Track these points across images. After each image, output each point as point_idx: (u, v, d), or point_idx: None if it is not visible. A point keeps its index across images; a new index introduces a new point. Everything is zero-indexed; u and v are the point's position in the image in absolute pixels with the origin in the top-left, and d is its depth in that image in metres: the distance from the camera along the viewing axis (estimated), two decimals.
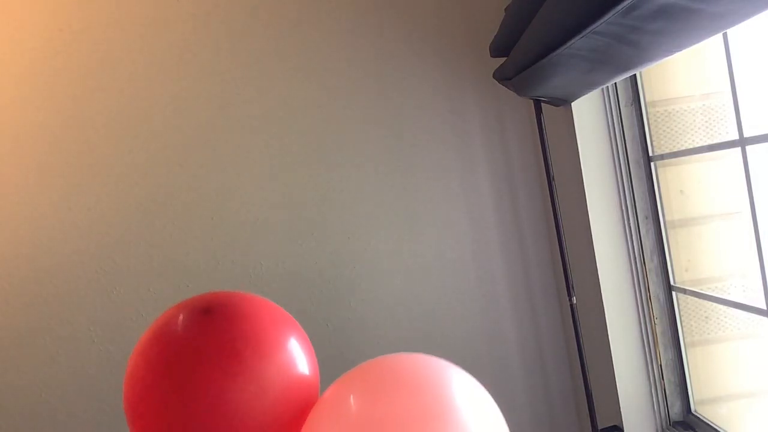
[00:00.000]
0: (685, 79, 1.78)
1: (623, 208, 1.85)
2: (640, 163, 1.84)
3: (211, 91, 2.11)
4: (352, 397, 1.22)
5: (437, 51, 2.21)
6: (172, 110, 2.10)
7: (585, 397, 1.92)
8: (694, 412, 1.83)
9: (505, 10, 1.79)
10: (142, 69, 2.09)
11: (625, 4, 1.08)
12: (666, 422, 1.86)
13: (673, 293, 1.84)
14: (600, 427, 1.94)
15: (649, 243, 1.84)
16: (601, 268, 1.86)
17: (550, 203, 2.04)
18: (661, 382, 1.85)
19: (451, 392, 1.17)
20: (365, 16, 2.18)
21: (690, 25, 1.11)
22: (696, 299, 1.78)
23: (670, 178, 1.82)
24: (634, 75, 1.79)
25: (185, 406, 1.29)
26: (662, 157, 1.80)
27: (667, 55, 1.26)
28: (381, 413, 1.14)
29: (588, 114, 1.85)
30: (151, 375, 1.33)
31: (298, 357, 1.41)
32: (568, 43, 1.33)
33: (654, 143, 1.82)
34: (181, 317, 1.41)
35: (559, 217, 1.94)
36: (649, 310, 1.85)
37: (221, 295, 1.51)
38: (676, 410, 1.86)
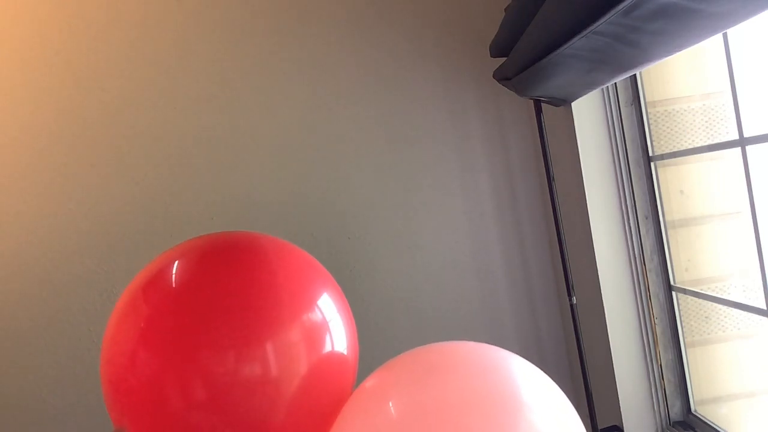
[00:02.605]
0: (685, 79, 1.78)
1: (623, 208, 1.84)
2: (640, 163, 1.84)
3: (211, 92, 2.11)
4: (399, 381, 1.04)
5: (437, 51, 2.21)
6: (172, 110, 2.10)
7: (585, 397, 1.92)
8: (694, 412, 1.83)
9: (505, 10, 1.79)
10: (142, 69, 2.09)
11: (625, 4, 1.08)
12: (666, 422, 1.86)
13: (673, 293, 1.84)
14: (600, 427, 1.94)
15: (649, 243, 1.84)
16: (601, 268, 1.86)
17: (550, 203, 2.04)
18: (661, 382, 1.85)
19: (509, 374, 1.06)
20: (365, 17, 2.18)
21: (690, 25, 1.11)
22: (696, 299, 1.78)
23: (670, 178, 1.82)
24: (634, 75, 1.79)
25: (180, 387, 1.00)
26: (662, 157, 1.80)
27: (667, 55, 1.26)
28: (434, 397, 0.99)
29: (588, 114, 1.85)
30: (135, 343, 1.03)
31: (334, 320, 1.11)
32: (568, 43, 1.33)
33: (654, 143, 1.82)
34: (178, 263, 1.09)
35: (559, 217, 1.94)
36: (649, 310, 1.85)
37: (234, 236, 1.17)
38: (676, 410, 1.86)
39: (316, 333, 1.09)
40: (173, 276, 1.08)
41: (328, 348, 1.09)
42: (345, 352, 1.14)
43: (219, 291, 1.06)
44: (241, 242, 1.15)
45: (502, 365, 1.09)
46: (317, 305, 1.11)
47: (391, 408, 1.03)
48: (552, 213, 1.98)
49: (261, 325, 1.04)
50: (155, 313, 1.05)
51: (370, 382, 1.09)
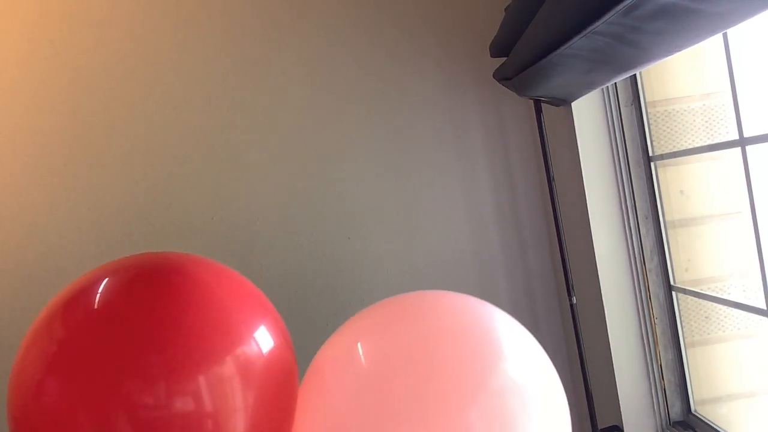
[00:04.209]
0: (685, 79, 1.78)
1: (623, 208, 1.84)
2: (640, 163, 1.84)
3: (211, 91, 2.11)
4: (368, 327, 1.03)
5: (437, 51, 2.21)
6: (171, 110, 2.10)
7: (585, 397, 1.92)
8: (694, 412, 1.83)
9: (505, 10, 1.79)
10: (141, 69, 2.08)
11: (625, 4, 1.08)
12: (666, 422, 1.85)
13: (673, 293, 1.84)
14: (600, 427, 1.94)
15: (649, 243, 1.84)
16: (601, 268, 1.86)
17: (550, 203, 2.04)
18: (661, 382, 1.85)
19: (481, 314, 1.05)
20: (365, 17, 2.18)
21: (690, 25, 1.11)
22: (696, 299, 1.78)
23: (670, 178, 1.82)
24: (634, 75, 1.79)
25: (96, 423, 0.87)
26: (662, 157, 1.80)
27: (667, 55, 1.26)
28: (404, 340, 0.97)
29: (588, 114, 1.85)
30: (47, 374, 0.90)
31: (272, 349, 1.03)
32: (568, 43, 1.33)
33: (654, 143, 1.82)
34: (103, 284, 0.98)
35: (559, 217, 1.94)
36: (649, 310, 1.85)
37: (166, 258, 1.07)
38: (676, 410, 1.86)
39: (254, 362, 0.99)
40: (97, 297, 0.97)
41: (268, 377, 1.00)
42: (285, 376, 1.06)
43: (147, 316, 0.95)
44: (174, 264, 1.05)
45: (479, 308, 1.08)
46: (254, 335, 1.02)
47: (361, 354, 1.00)
48: (552, 213, 1.98)
49: (193, 356, 0.92)
50: (71, 337, 0.93)
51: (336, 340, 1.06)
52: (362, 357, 1.01)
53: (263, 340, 1.03)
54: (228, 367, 0.95)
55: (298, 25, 2.15)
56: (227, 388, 0.94)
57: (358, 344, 1.03)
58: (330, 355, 1.06)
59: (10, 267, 2.03)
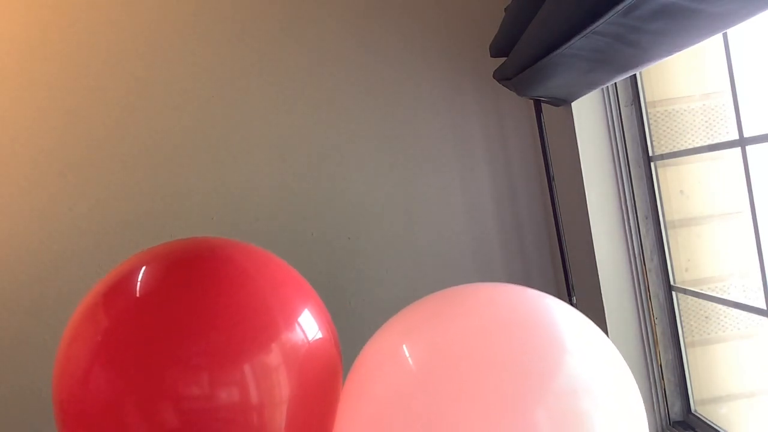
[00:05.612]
0: (685, 79, 1.78)
1: (623, 208, 1.84)
2: (640, 163, 1.84)
3: (211, 92, 2.11)
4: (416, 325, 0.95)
5: (437, 51, 2.21)
6: (172, 110, 2.10)
7: None
8: (694, 412, 1.83)
9: (505, 10, 1.79)
10: (142, 69, 2.09)
11: (625, 4, 1.08)
12: (666, 422, 1.85)
13: (673, 293, 1.84)
14: None
15: (649, 243, 1.84)
16: (601, 268, 1.86)
17: (550, 203, 2.04)
18: (661, 382, 1.85)
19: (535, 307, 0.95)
20: (365, 16, 2.18)
21: (690, 25, 1.11)
22: (696, 299, 1.78)
23: (670, 178, 1.82)
24: (634, 75, 1.79)
25: (143, 411, 0.88)
26: (662, 157, 1.80)
27: (667, 55, 1.26)
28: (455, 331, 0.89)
29: (588, 114, 1.85)
30: (92, 363, 0.92)
31: (318, 337, 1.03)
32: (569, 43, 1.33)
33: (654, 143, 1.82)
34: (144, 270, 0.97)
35: (559, 217, 1.94)
36: (649, 310, 1.85)
37: (210, 243, 1.06)
38: (676, 410, 1.86)
39: (299, 352, 0.98)
40: (139, 284, 0.97)
41: (312, 368, 1.00)
42: (330, 368, 1.05)
43: (188, 302, 0.94)
44: (217, 250, 1.04)
45: (538, 299, 0.97)
46: (299, 322, 1.01)
47: (409, 352, 0.91)
48: (552, 213, 1.98)
49: (238, 344, 0.92)
50: (115, 325, 0.93)
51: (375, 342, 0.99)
52: (410, 354, 0.93)
53: (308, 328, 1.02)
54: (272, 356, 0.94)
55: (298, 25, 2.15)
56: (272, 376, 0.93)
57: (406, 341, 0.95)
58: (376, 350, 1.00)
59: (10, 266, 2.03)
